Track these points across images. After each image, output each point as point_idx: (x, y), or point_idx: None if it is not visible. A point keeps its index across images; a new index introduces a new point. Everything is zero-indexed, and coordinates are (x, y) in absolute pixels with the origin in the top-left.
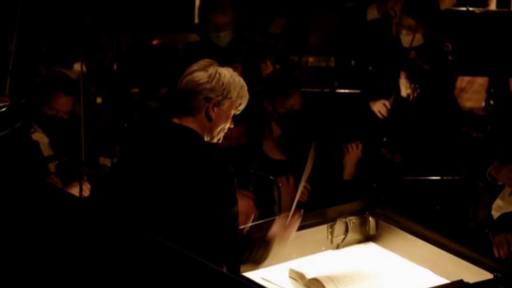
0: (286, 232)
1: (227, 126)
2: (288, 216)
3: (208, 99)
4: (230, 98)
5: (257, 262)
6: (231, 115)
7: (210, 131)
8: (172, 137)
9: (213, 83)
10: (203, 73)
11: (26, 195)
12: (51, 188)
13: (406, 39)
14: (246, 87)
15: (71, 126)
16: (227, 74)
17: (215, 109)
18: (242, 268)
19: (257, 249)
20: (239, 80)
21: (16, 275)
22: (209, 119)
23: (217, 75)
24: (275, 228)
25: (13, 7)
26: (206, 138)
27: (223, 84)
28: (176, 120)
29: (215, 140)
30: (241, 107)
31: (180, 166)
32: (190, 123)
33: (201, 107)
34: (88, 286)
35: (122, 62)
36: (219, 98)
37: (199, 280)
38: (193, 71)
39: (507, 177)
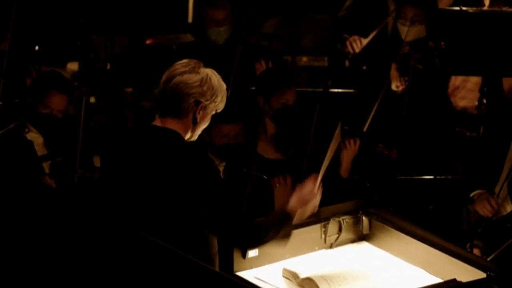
0: (306, 203)
1: (206, 125)
2: (304, 186)
3: (198, 103)
4: (215, 102)
5: (280, 239)
6: (210, 116)
7: (193, 131)
8: (155, 140)
9: (205, 87)
10: (194, 75)
11: (21, 195)
12: (46, 189)
13: (405, 30)
14: (225, 88)
15: (65, 126)
16: (215, 78)
17: (201, 112)
18: (235, 267)
19: (278, 226)
20: (222, 84)
21: (11, 276)
22: (195, 121)
23: (208, 79)
24: (293, 201)
25: (7, 7)
26: (186, 137)
27: (213, 88)
28: (159, 122)
29: (193, 138)
30: (219, 110)
31: (164, 169)
32: (174, 124)
33: (189, 110)
34: (82, 286)
35: (116, 62)
36: (207, 102)
37: (193, 279)
38: (183, 73)
39: (482, 205)
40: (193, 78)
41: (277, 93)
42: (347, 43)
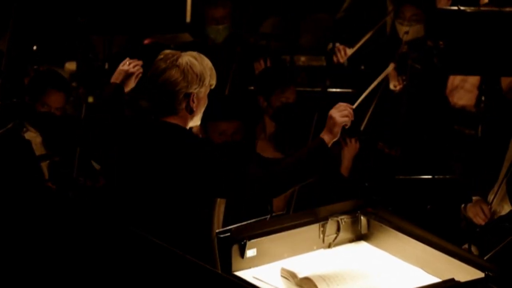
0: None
1: (205, 106)
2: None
3: (188, 95)
4: (205, 84)
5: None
6: (206, 96)
7: (192, 118)
8: (160, 135)
9: (189, 78)
10: (174, 70)
11: (20, 195)
12: (45, 189)
13: (403, 29)
14: (211, 64)
15: (64, 124)
16: (196, 62)
17: (195, 100)
18: (233, 267)
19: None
20: (206, 62)
21: (11, 277)
22: (191, 111)
23: (189, 68)
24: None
25: (7, 7)
26: (191, 124)
27: (197, 75)
28: (161, 119)
29: (197, 123)
30: (213, 87)
31: (173, 161)
32: (173, 120)
33: (182, 104)
34: (82, 286)
35: (114, 61)
36: (197, 89)
37: (191, 279)
38: (164, 70)
39: (475, 212)
40: (175, 74)
41: (277, 91)
42: (336, 50)
